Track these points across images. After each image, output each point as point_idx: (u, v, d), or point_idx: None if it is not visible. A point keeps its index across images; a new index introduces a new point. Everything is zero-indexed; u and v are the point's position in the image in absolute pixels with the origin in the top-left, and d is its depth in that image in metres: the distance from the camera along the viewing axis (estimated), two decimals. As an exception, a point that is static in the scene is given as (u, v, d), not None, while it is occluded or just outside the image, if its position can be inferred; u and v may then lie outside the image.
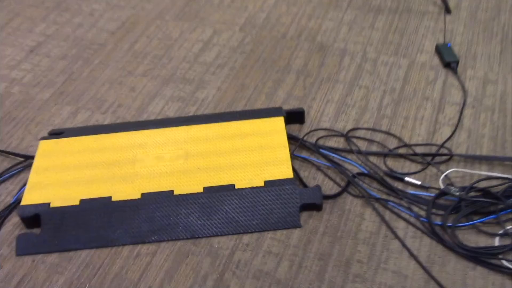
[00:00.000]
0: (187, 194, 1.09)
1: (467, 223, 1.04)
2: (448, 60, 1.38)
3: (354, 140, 1.22)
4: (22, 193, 1.13)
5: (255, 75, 1.40)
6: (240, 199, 1.08)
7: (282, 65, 1.42)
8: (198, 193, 1.09)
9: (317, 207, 1.08)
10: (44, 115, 1.34)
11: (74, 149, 1.19)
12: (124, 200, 1.08)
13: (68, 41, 1.57)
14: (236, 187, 1.09)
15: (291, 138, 1.22)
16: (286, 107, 1.30)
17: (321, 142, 1.22)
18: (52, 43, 1.56)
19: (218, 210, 1.07)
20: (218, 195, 1.08)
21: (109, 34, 1.58)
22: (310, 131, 1.25)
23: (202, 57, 1.47)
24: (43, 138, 1.23)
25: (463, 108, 1.26)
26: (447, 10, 1.53)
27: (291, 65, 1.42)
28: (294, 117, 1.25)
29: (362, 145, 1.21)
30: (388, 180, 1.13)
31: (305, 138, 1.23)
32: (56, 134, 1.24)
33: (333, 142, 1.22)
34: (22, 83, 1.44)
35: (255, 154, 1.15)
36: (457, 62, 1.37)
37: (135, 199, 1.08)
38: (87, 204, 1.08)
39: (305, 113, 1.28)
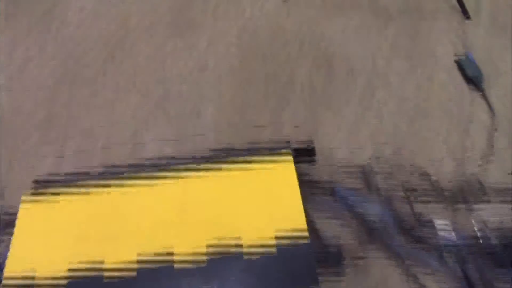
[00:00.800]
0: (188, 270, 0.95)
1: (505, 274, 0.93)
2: (470, 73, 1.24)
3: (373, 174, 1.09)
4: (5, 257, 1.00)
5: (257, 94, 1.27)
6: (249, 271, 0.93)
7: (285, 81, 1.29)
8: (201, 266, 0.95)
9: (337, 274, 0.96)
10: (28, 156, 1.21)
11: (60, 209, 1.05)
12: (118, 280, 0.95)
13: (53, 61, 1.41)
14: (244, 245, 0.96)
15: (300, 175, 1.09)
16: (292, 130, 1.18)
17: (335, 176, 1.10)
18: (35, 64, 1.40)
19: None
20: (224, 267, 0.94)
21: (96, 52, 1.43)
22: (322, 166, 1.12)
23: (197, 74, 1.33)
24: (26, 197, 1.08)
25: (492, 131, 1.14)
26: (465, 15, 1.38)
27: (295, 80, 1.29)
28: (304, 153, 1.12)
29: (382, 180, 1.08)
30: (414, 223, 1.01)
31: (317, 172, 1.10)
32: (40, 184, 1.10)
33: (349, 177, 1.10)
34: (2, 115, 1.30)
35: (263, 205, 1.01)
36: (480, 75, 1.24)
37: (130, 278, 0.95)
38: (76, 286, 0.94)
39: (315, 138, 1.15)
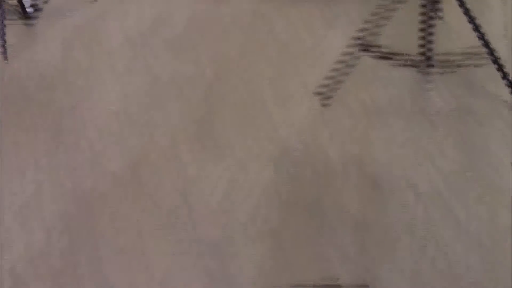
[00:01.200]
0: None
1: None
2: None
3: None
4: None
5: (299, 230, 1.13)
6: None
7: (330, 214, 1.14)
8: None
9: None
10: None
11: None
12: None
13: (65, 196, 1.27)
14: None
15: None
16: (341, 269, 1.03)
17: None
18: (45, 200, 1.27)
19: None
20: None
21: (114, 180, 1.29)
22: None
23: (228, 208, 1.19)
24: None
25: None
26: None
27: (342, 212, 1.14)
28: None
29: None
30: None
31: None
32: None
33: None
34: (16, 274, 1.16)
35: None
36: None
37: None
38: None
39: (369, 281, 1.00)
